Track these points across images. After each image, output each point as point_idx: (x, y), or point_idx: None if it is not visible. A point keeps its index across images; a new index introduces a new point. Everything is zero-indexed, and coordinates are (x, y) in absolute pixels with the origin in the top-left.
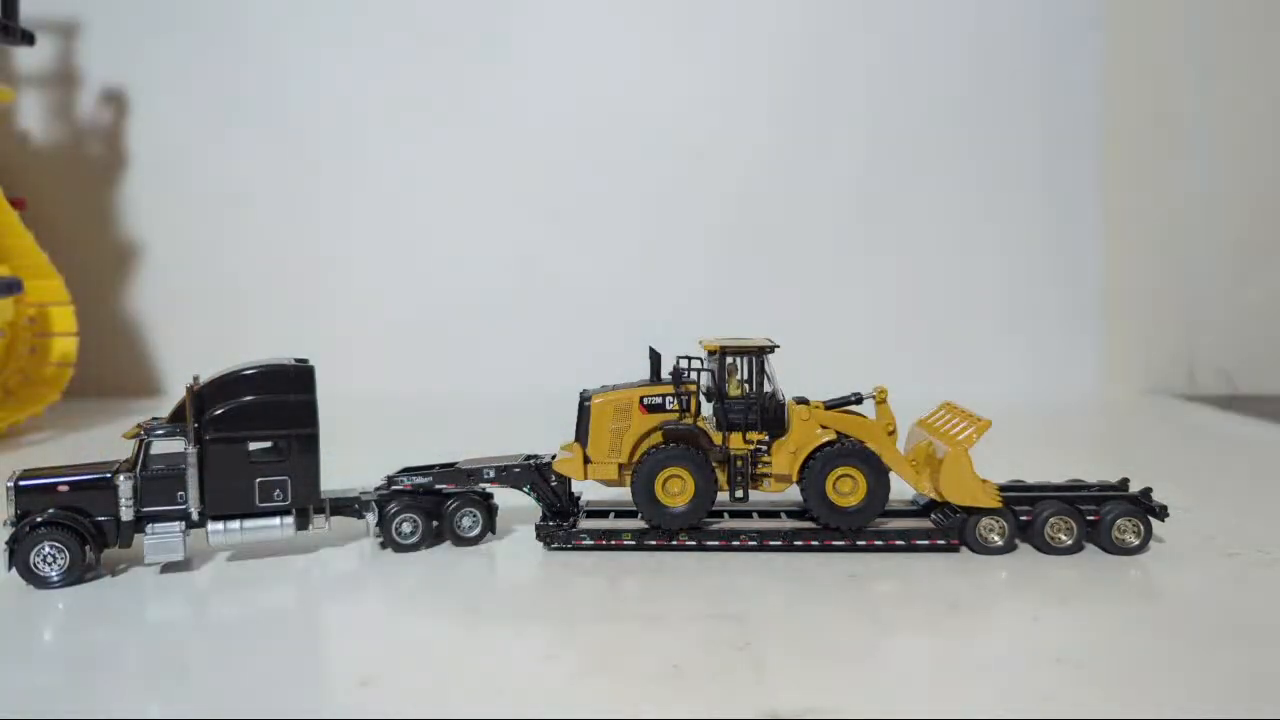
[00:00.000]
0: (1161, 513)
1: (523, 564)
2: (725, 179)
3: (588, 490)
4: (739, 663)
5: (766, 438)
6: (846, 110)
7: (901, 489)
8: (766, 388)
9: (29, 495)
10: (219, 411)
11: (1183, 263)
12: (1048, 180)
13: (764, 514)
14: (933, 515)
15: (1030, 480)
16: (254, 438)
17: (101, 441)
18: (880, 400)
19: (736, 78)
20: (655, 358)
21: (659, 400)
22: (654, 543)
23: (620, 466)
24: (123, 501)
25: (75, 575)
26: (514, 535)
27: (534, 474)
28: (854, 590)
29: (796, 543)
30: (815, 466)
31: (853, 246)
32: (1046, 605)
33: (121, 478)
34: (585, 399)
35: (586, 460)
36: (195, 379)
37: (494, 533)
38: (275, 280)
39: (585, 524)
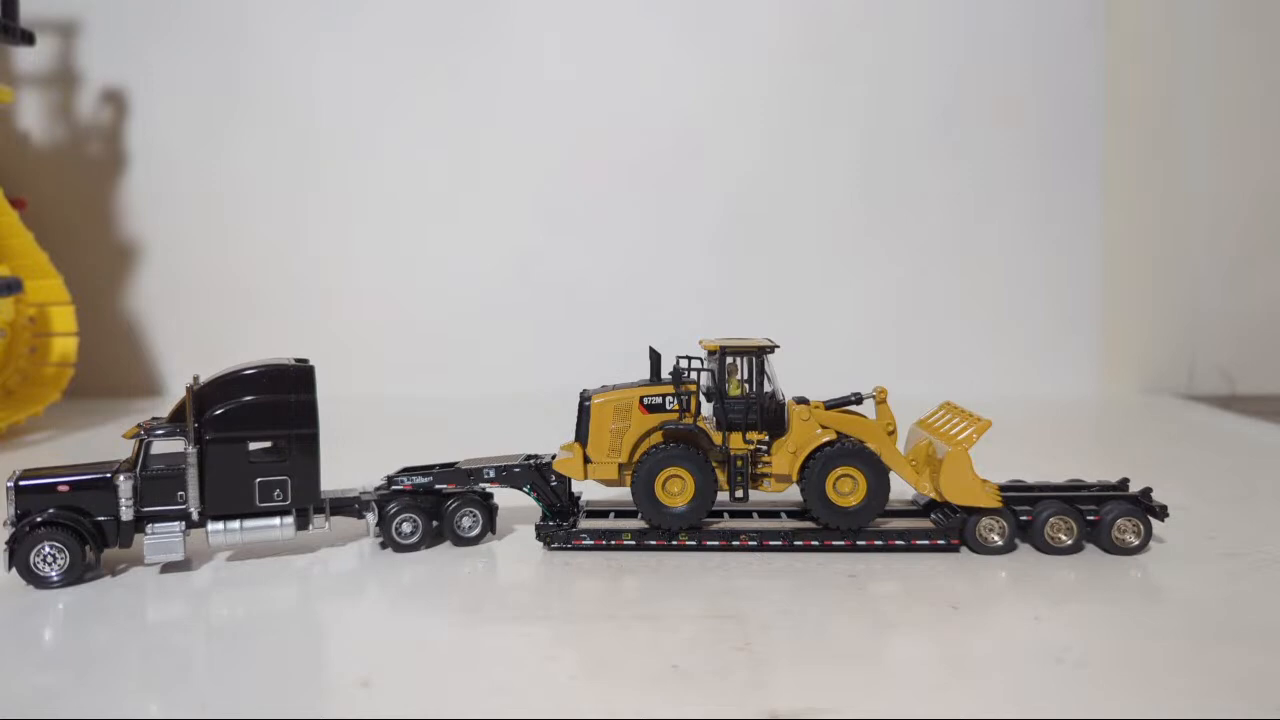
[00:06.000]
0: (1161, 513)
1: (523, 564)
2: (725, 179)
3: (588, 490)
4: (739, 663)
5: (766, 438)
6: (845, 110)
7: (901, 489)
8: (766, 388)
9: (29, 495)
10: (219, 411)
11: (1183, 263)
12: (1047, 180)
13: (764, 514)
14: (933, 515)
15: (1030, 480)
16: (254, 438)
17: (101, 441)
18: (880, 400)
19: (736, 77)
20: (655, 358)
21: (659, 400)
22: (654, 543)
23: (620, 466)
24: (123, 501)
25: (75, 575)
26: (514, 535)
27: (534, 474)
28: (854, 590)
29: (796, 543)
30: (815, 466)
31: (853, 246)
32: (1046, 605)
33: (121, 478)
34: (585, 399)
35: (586, 460)
36: (195, 379)
37: (494, 533)
38: (275, 280)
39: (585, 524)
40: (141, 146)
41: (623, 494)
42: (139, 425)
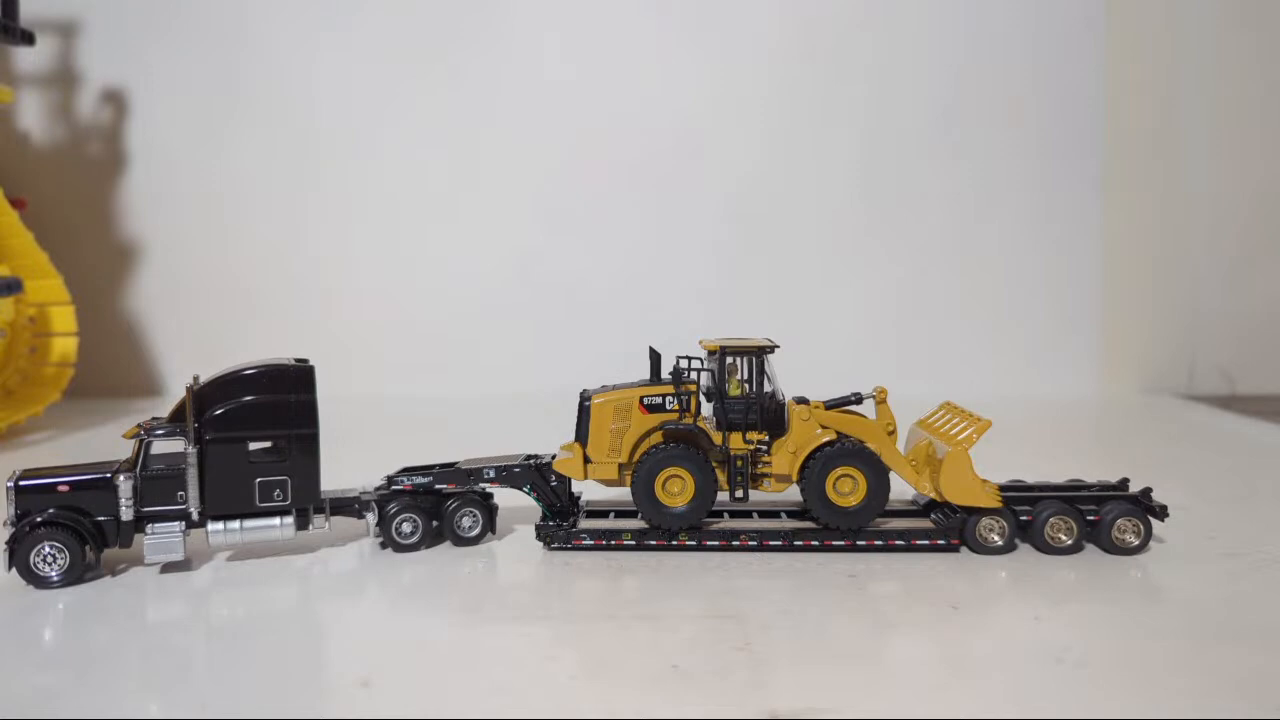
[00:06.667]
0: (1161, 513)
1: (523, 564)
2: (725, 179)
3: (588, 490)
4: (739, 663)
5: (766, 438)
6: (845, 110)
7: (901, 489)
8: (766, 388)
9: (29, 495)
10: (219, 411)
11: (1183, 263)
12: (1047, 179)
13: (764, 514)
14: (933, 515)
15: (1030, 480)
16: (254, 438)
17: (101, 441)
18: (880, 400)
19: (736, 77)
20: (655, 358)
21: (659, 400)
22: (654, 543)
23: (620, 466)
24: (123, 501)
25: (75, 575)
26: (514, 535)
27: (534, 474)
28: (854, 590)
29: (796, 543)
30: (815, 466)
31: (853, 246)
32: (1046, 605)
33: (121, 478)
34: (585, 399)
35: (586, 460)
36: (195, 379)
37: (494, 533)
38: (275, 280)
39: (585, 524)
40: (141, 146)
41: (623, 494)
42: (139, 425)
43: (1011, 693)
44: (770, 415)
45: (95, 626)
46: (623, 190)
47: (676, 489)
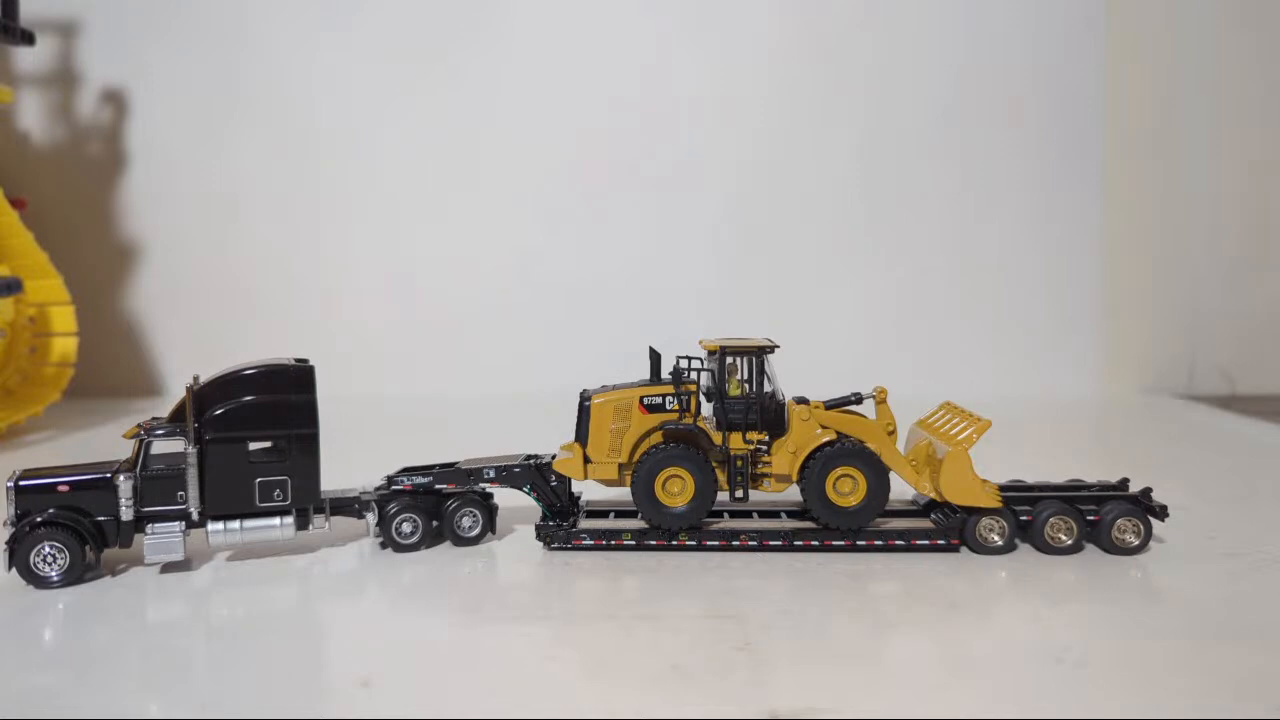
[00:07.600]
0: (1161, 513)
1: (523, 564)
2: (725, 179)
3: (588, 490)
4: (739, 663)
5: (766, 438)
6: (845, 110)
7: (901, 489)
8: (766, 388)
9: (29, 495)
10: (219, 411)
11: (1183, 263)
12: (1047, 180)
13: (764, 514)
14: (933, 515)
15: (1030, 480)
16: (254, 438)
17: (101, 441)
18: (880, 400)
19: (736, 77)
20: (655, 358)
21: (659, 400)
22: (654, 543)
23: (620, 466)
24: (123, 501)
25: (75, 575)
26: (514, 535)
27: (534, 474)
28: (854, 590)
29: (796, 543)
30: (815, 466)
31: (853, 246)
32: (1046, 605)
33: (121, 478)
34: (585, 399)
35: (586, 460)
36: (195, 379)
37: (494, 533)
38: (275, 280)
39: (585, 524)
40: (141, 146)
41: (623, 494)
42: (139, 425)
43: (1011, 693)
44: (770, 415)
45: (95, 626)
46: (623, 190)
47: (676, 489)
